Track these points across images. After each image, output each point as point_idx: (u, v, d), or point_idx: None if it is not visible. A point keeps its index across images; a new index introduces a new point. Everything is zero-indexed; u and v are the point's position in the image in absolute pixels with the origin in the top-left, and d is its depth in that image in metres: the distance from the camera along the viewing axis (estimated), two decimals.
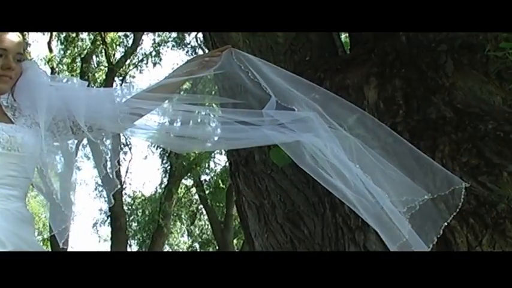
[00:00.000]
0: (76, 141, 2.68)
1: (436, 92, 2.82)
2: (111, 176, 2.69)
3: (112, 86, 20.49)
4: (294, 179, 2.89)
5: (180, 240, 26.13)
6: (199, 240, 25.99)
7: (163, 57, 21.97)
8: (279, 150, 2.51)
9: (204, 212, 22.90)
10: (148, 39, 36.37)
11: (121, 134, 2.80)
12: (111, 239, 15.58)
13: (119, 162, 2.84)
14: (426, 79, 2.87)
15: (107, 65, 21.00)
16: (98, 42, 20.88)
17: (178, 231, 25.70)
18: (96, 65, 22.05)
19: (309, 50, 3.15)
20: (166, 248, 21.82)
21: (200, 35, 21.05)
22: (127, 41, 21.53)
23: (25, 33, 17.39)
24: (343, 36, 4.18)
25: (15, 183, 2.41)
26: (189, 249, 25.24)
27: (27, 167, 2.46)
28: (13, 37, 2.53)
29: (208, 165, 22.97)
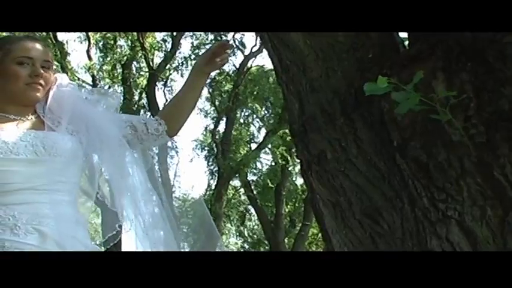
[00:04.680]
0: None
1: (506, 83, 2.81)
2: (160, 180, 2.76)
3: (154, 90, 20.63)
4: (368, 175, 2.91)
5: (229, 241, 26.19)
6: (250, 240, 26.03)
7: None
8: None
9: (254, 212, 22.95)
10: (186, 43, 36.52)
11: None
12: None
13: (167, 166, 2.91)
14: (494, 71, 2.86)
15: (147, 70, 21.08)
16: (137, 48, 20.97)
17: (227, 232, 25.73)
18: (136, 71, 22.14)
19: (371, 47, 3.16)
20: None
21: (238, 35, 21.12)
22: (165, 46, 21.59)
23: (64, 43, 17.53)
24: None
25: (65, 189, 2.50)
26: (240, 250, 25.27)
27: (73, 172, 2.56)
28: (38, 45, 2.61)
29: (256, 166, 23.02)
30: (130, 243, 2.64)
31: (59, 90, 2.69)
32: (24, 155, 2.47)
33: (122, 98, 3.15)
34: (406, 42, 3.39)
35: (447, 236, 2.63)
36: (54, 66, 2.77)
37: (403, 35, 3.37)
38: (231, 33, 21.21)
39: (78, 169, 2.61)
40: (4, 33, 13.11)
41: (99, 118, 2.71)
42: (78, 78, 20.58)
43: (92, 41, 21.54)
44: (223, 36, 21.21)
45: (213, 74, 22.56)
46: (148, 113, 21.22)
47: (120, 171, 2.68)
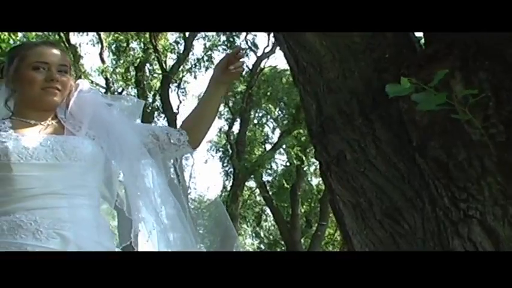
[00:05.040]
0: None
1: None
2: (175, 181, 2.77)
3: (168, 92, 20.67)
4: (388, 175, 2.91)
5: (246, 242, 26.20)
6: (266, 241, 26.02)
7: (215, 61, 22.14)
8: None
9: (270, 213, 22.93)
10: (199, 45, 36.61)
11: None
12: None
13: (182, 167, 2.93)
14: None
15: (160, 72, 21.11)
16: (150, 50, 21.00)
17: (243, 233, 25.73)
18: (150, 73, 22.18)
19: (387, 47, 3.15)
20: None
21: (250, 36, 21.14)
22: (178, 47, 21.63)
23: (77, 46, 17.65)
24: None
25: (86, 193, 2.51)
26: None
27: (94, 176, 2.57)
28: (54, 50, 2.63)
29: (271, 166, 23.02)
30: (146, 245, 2.65)
31: (81, 96, 2.71)
32: (44, 160, 2.49)
33: (142, 105, 3.14)
34: (422, 41, 3.39)
35: (469, 236, 2.63)
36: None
37: (418, 33, 3.37)
38: (243, 34, 21.28)
39: (99, 173, 2.63)
40: (19, 36, 13.17)
41: (120, 125, 2.72)
42: (92, 81, 20.66)
43: (105, 44, 21.62)
44: (235, 37, 21.26)
45: None
46: (163, 115, 21.32)
47: (136, 173, 2.69)
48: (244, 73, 21.62)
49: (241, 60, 2.87)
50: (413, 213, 2.84)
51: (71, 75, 2.72)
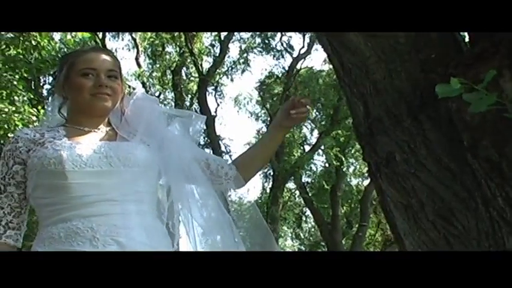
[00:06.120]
0: None
1: None
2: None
3: (205, 95, 20.73)
4: (439, 175, 2.90)
5: (286, 243, 26.18)
6: (306, 242, 25.97)
7: (251, 64, 22.22)
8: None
9: (310, 214, 22.87)
10: (234, 47, 36.64)
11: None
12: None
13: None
14: None
15: (197, 75, 21.13)
16: (186, 54, 21.03)
17: (283, 235, 25.71)
18: (186, 77, 22.21)
19: (433, 47, 3.13)
20: None
21: (285, 38, 21.13)
22: (214, 51, 21.66)
23: (113, 51, 17.77)
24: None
25: (143, 198, 2.52)
26: None
27: (147, 181, 2.56)
28: (103, 56, 2.64)
29: (310, 168, 22.97)
30: (188, 247, 2.65)
31: (137, 103, 2.72)
32: (98, 167, 2.50)
33: (203, 121, 3.10)
34: (467, 39, 3.36)
35: None
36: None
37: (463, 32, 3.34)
38: (279, 36, 21.30)
39: (151, 179, 2.62)
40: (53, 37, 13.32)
41: (176, 141, 2.73)
42: (129, 86, 20.75)
43: (141, 48, 21.73)
44: (270, 39, 21.27)
45: (263, 77, 22.63)
46: None
47: (180, 183, 2.69)
48: (280, 75, 21.65)
49: (305, 106, 2.81)
50: (467, 213, 2.82)
51: (122, 80, 2.73)
